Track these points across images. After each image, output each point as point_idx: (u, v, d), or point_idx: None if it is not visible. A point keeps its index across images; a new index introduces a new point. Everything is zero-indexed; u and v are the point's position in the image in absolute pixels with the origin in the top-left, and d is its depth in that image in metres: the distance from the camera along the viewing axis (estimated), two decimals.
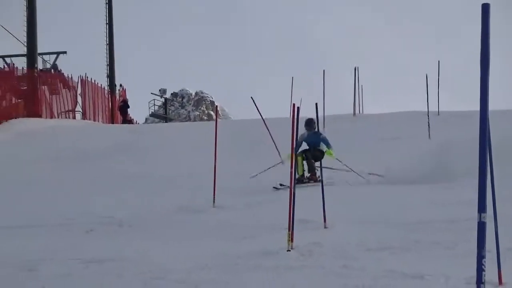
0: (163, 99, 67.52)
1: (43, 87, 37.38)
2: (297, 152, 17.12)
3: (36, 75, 37.77)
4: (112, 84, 47.23)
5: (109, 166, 22.39)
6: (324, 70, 29.64)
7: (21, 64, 39.12)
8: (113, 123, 42.62)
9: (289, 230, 11.30)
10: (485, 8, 4.51)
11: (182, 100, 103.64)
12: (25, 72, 37.55)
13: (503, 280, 8.30)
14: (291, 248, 11.11)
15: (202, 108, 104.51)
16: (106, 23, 48.36)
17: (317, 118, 14.21)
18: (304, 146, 18.06)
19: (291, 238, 11.25)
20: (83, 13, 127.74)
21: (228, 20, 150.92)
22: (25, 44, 39.30)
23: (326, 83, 29.18)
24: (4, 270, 9.65)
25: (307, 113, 15.54)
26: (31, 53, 39.27)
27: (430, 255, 10.23)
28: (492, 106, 4.89)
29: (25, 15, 38.68)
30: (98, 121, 40.98)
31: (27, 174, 21.55)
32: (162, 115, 66.27)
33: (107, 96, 45.08)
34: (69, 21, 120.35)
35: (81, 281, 9.91)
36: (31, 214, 15.79)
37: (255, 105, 22.57)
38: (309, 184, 16.98)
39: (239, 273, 9.90)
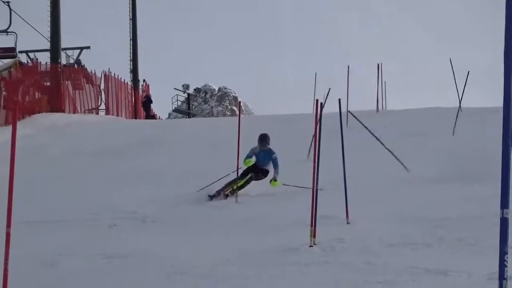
0: (186, 95, 67.53)
1: (66, 82, 37.45)
2: (246, 160, 16.92)
3: (60, 70, 37.84)
4: (135, 80, 47.26)
5: (132, 161, 22.42)
6: (348, 66, 29.44)
7: (44, 59, 39.24)
8: (136, 118, 42.67)
9: (311, 226, 11.34)
10: (510, 6, 4.49)
11: (205, 95, 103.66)
12: (49, 67, 37.63)
13: None
14: (314, 244, 11.14)
15: (225, 104, 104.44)
16: (130, 19, 48.38)
17: (340, 114, 14.21)
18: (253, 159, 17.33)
19: (313, 234, 11.28)
20: (107, 8, 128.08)
21: (252, 17, 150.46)
22: (49, 39, 39.48)
23: (349, 78, 29.06)
24: (27, 264, 9.69)
25: (330, 108, 15.47)
26: (55, 48, 39.25)
27: (453, 251, 10.22)
28: None
29: (49, 10, 38.82)
30: (121, 116, 41.01)
31: (51, 169, 21.61)
32: (185, 110, 66.25)
33: (130, 91, 45.11)
34: (93, 16, 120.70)
35: (103, 276, 9.97)
36: (54, 209, 15.82)
37: None
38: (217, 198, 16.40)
39: (260, 269, 9.93)
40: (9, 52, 38.77)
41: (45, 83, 36.03)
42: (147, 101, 45.68)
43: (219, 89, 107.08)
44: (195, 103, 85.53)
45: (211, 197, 16.20)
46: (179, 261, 10.53)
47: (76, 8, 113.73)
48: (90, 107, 38.95)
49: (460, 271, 8.92)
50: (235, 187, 16.27)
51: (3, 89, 31.87)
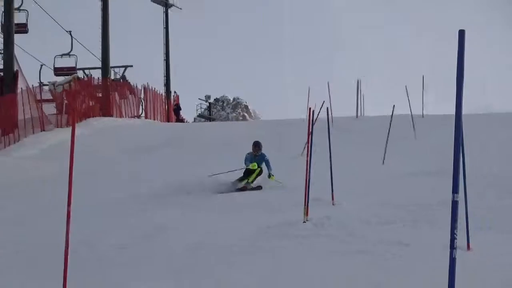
0: (207, 103, 67.73)
1: (114, 93, 37.57)
2: (247, 166, 16.06)
3: (109, 83, 38.02)
4: (168, 91, 47.28)
5: (164, 154, 22.46)
6: (328, 82, 29.07)
7: (97, 75, 39.48)
8: (168, 121, 42.69)
9: (305, 207, 11.38)
10: (461, 34, 4.44)
11: (222, 104, 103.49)
12: (100, 81, 37.80)
13: (470, 247, 8.34)
14: (306, 220, 11.16)
15: (238, 111, 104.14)
16: (164, 44, 48.58)
17: (328, 119, 14.25)
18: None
19: (306, 213, 11.31)
20: (147, 35, 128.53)
21: (258, 38, 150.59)
22: (100, 59, 39.73)
23: (340, 87, 29.25)
24: (78, 241, 9.69)
25: (321, 114, 15.45)
26: (105, 66, 39.61)
27: (417, 228, 10.23)
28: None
29: (100, 37, 39.05)
30: (157, 120, 41.05)
31: (102, 161, 21.67)
32: (207, 116, 66.26)
33: (164, 100, 45.16)
34: (135, 41, 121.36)
35: (138, 245, 9.97)
36: (106, 194, 15.88)
37: None
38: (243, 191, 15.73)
39: (266, 240, 9.96)
40: (71, 70, 39.12)
41: (97, 94, 36.11)
42: (177, 108, 45.77)
43: (233, 99, 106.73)
44: (214, 110, 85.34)
45: (238, 190, 15.74)
46: (200, 234, 10.56)
47: (122, 35, 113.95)
48: (132, 113, 38.99)
49: (422, 243, 8.94)
50: (250, 180, 15.95)
51: (65, 98, 31.96)
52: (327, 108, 15.01)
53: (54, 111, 31.64)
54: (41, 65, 41.00)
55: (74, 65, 40.69)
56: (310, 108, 13.08)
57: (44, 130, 28.91)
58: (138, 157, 22.45)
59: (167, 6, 48.94)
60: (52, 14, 40.83)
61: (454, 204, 4.34)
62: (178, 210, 13.25)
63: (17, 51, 33.70)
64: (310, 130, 12.47)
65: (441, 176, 13.19)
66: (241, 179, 16.00)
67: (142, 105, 40.66)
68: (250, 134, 24.60)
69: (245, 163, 16.00)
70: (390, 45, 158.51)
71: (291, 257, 8.74)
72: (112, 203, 14.57)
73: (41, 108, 30.22)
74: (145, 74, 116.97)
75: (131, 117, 38.95)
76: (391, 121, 19.36)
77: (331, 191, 13.09)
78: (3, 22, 32.82)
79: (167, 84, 48.04)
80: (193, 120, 62.81)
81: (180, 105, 46.64)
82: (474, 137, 16.85)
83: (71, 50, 41.02)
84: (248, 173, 16.00)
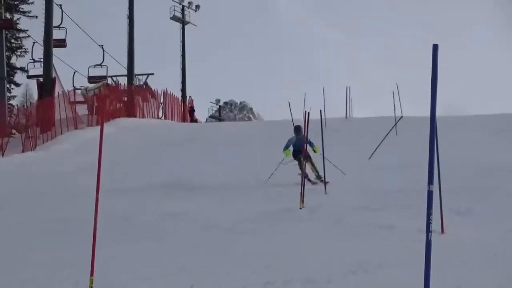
0: (218, 106, 67.67)
1: (137, 97, 37.56)
2: (286, 150, 15.00)
3: (133, 89, 38.04)
4: (184, 95, 47.30)
5: (182, 150, 22.45)
6: (323, 87, 28.91)
7: (123, 81, 39.57)
8: (184, 122, 42.69)
9: (301, 195, 11.38)
10: (435, 48, 4.41)
11: (230, 107, 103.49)
12: (126, 87, 37.85)
13: (444, 230, 8.33)
14: (302, 207, 11.17)
15: (244, 113, 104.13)
16: (181, 55, 48.62)
17: (321, 121, 14.24)
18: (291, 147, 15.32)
19: (302, 201, 11.31)
20: (166, 47, 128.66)
21: (261, 47, 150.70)
22: (126, 68, 39.90)
23: (333, 91, 29.05)
24: (108, 219, 9.75)
25: (316, 115, 15.36)
26: (130, 74, 39.70)
27: (397, 213, 10.22)
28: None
29: (127, 49, 39.22)
30: (174, 120, 41.04)
31: (126, 155, 21.69)
32: (217, 117, 66.24)
33: (180, 103, 45.17)
34: (157, 52, 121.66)
35: (161, 227, 10.04)
36: (128, 181, 15.92)
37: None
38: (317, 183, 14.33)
39: (267, 223, 9.97)
40: (102, 78, 39.24)
41: (123, 97, 36.11)
42: (192, 110, 45.74)
43: (240, 103, 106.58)
44: (224, 112, 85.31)
45: (312, 183, 14.29)
46: (210, 218, 10.58)
47: (145, 47, 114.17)
48: (153, 114, 38.96)
49: (401, 226, 8.92)
50: (313, 170, 14.64)
51: (95, 101, 32.01)
52: (320, 110, 14.96)
53: (86, 112, 31.68)
54: (74, 72, 41.28)
55: (105, 74, 40.93)
56: (306, 111, 13.16)
57: (77, 129, 28.94)
58: (158, 152, 22.46)
59: (184, 23, 49.05)
60: (87, 30, 41.03)
61: (430, 194, 4.32)
62: (193, 196, 13.29)
63: (55, 61, 33.96)
64: (306, 130, 12.50)
65: (418, 168, 13.17)
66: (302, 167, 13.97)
67: (161, 108, 40.63)
68: (254, 132, 24.63)
69: (284, 150, 15.04)
70: (380, 52, 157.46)
71: (288, 237, 8.76)
72: (135, 189, 14.62)
73: (75, 109, 30.29)
74: (164, 81, 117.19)
75: (152, 117, 38.97)
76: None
77: (324, 183, 13.08)
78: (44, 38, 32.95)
79: (183, 89, 48.10)
80: (205, 120, 62.76)
81: (194, 108, 46.69)
82: (446, 135, 16.82)
83: (103, 61, 41.26)
84: (298, 158, 14.60)
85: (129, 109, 35.41)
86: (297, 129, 15.20)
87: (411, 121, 23.33)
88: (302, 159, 13.72)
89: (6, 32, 36.69)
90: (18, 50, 42.41)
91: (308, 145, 14.33)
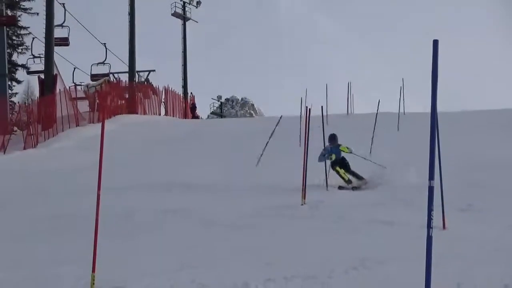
0: (219, 102, 67.68)
1: (139, 93, 37.56)
2: (324, 158, 13.77)
3: (134, 85, 38.04)
4: (185, 92, 47.25)
5: (182, 145, 22.48)
6: (326, 84, 28.96)
7: (124, 78, 39.57)
8: (185, 118, 42.68)
9: (302, 192, 11.37)
10: (436, 44, 4.39)
11: (232, 103, 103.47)
12: (127, 84, 37.84)
13: (446, 226, 8.32)
14: (304, 203, 11.16)
15: (245, 109, 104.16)
16: (182, 52, 48.56)
17: (322, 117, 14.21)
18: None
19: (304, 197, 11.30)
20: (167, 43, 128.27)
21: (263, 44, 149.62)
22: (128, 65, 39.89)
23: (334, 87, 29.10)
24: (109, 216, 9.75)
25: (317, 112, 15.34)
26: (131, 71, 39.69)
27: (398, 209, 10.22)
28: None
29: (128, 46, 39.27)
30: (176, 117, 41.04)
31: (130, 152, 21.70)
32: (218, 113, 66.14)
33: (182, 100, 45.16)
34: (158, 49, 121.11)
35: (161, 224, 10.03)
36: (129, 178, 15.91)
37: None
38: (361, 188, 13.60)
39: (269, 219, 9.96)
40: (105, 76, 39.31)
41: (125, 94, 36.12)
42: (193, 106, 45.78)
43: (241, 99, 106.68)
44: (225, 108, 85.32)
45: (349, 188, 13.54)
46: (211, 214, 10.58)
47: (147, 44, 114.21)
48: (155, 111, 38.97)
49: (402, 222, 8.92)
50: (346, 178, 13.79)
51: (97, 98, 32.02)
52: (322, 107, 14.93)
53: (87, 109, 31.71)
54: (74, 68, 41.54)
55: (107, 72, 41.07)
56: (307, 107, 13.12)
57: (78, 126, 28.99)
58: (159, 148, 22.47)
59: (185, 19, 49.02)
60: (89, 27, 41.15)
61: (430, 189, 4.32)
62: (194, 193, 13.28)
63: (56, 57, 33.98)
64: (307, 126, 12.47)
65: (419, 164, 13.16)
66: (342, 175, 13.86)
67: (163, 105, 40.65)
68: (255, 128, 24.60)
69: (325, 155, 13.89)
70: (381, 50, 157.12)
71: (289, 232, 8.76)
72: (135, 186, 14.61)
73: (76, 106, 30.33)
74: (166, 77, 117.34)
75: (154, 114, 38.98)
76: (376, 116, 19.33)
77: (325, 178, 13.07)
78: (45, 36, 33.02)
79: (185, 86, 48.11)
80: (206, 117, 62.78)
81: (196, 104, 46.69)
82: (448, 131, 16.78)
83: (106, 59, 41.37)
84: (340, 165, 14.02)
85: (131, 106, 35.44)
86: (332, 138, 14.29)
87: (413, 117, 23.31)
88: (347, 169, 13.73)
89: (8, 29, 36.71)
90: (19, 47, 42.40)
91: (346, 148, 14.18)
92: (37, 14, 39.61)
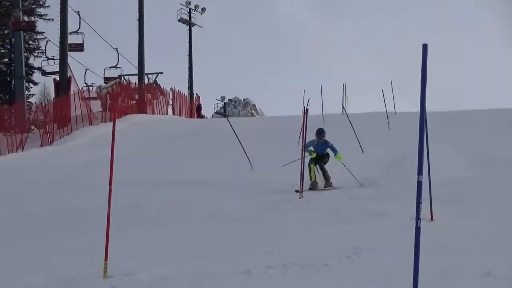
0: (223, 103, 67.65)
1: (147, 94, 37.54)
2: (306, 151, 12.75)
3: (143, 87, 38.06)
4: (191, 93, 47.21)
5: (188, 142, 22.46)
6: (321, 85, 28.73)
7: (134, 80, 39.58)
8: (191, 117, 42.67)
9: (300, 186, 11.42)
10: (425, 48, 4.40)
11: (235, 103, 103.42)
12: (137, 85, 37.85)
13: (433, 218, 8.35)
14: (302, 197, 11.21)
15: (247, 109, 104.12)
16: (188, 55, 48.57)
17: (322, 118, 14.23)
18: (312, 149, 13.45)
19: (301, 191, 11.35)
20: (174, 47, 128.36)
21: (264, 47, 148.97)
22: (137, 68, 40.00)
23: (329, 88, 28.94)
24: (120, 209, 9.81)
25: (313, 111, 15.38)
26: (141, 73, 39.74)
27: (390, 202, 10.23)
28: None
29: (137, 50, 39.35)
30: (182, 116, 41.03)
31: (139, 149, 21.69)
32: (222, 113, 66.17)
33: (188, 100, 45.15)
34: (165, 53, 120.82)
35: (168, 217, 10.07)
36: (138, 173, 15.93)
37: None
38: (324, 189, 12.73)
39: (270, 212, 10.02)
40: (117, 78, 39.34)
41: (134, 95, 36.13)
42: (199, 107, 45.76)
43: (244, 99, 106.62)
44: (228, 109, 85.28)
45: (311, 189, 12.51)
46: (215, 207, 10.62)
47: (155, 47, 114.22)
48: (162, 111, 38.95)
49: (393, 214, 8.96)
50: (313, 179, 12.73)
51: (108, 98, 32.04)
52: (305, 108, 14.88)
53: (100, 108, 31.73)
54: (86, 70, 41.76)
55: (119, 75, 41.18)
56: (304, 107, 13.17)
57: (91, 124, 29.02)
58: (167, 145, 22.45)
59: (190, 25, 49.02)
60: (100, 31, 41.17)
61: (419, 184, 4.35)
62: (197, 187, 13.30)
63: (71, 61, 34.14)
64: (305, 125, 12.51)
65: (410, 160, 13.19)
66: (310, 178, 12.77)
67: (171, 106, 40.62)
68: (256, 127, 24.60)
69: (306, 150, 12.85)
70: (375, 51, 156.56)
71: (288, 224, 8.80)
72: (144, 181, 14.62)
73: (89, 106, 30.37)
74: (173, 79, 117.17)
75: (162, 114, 38.98)
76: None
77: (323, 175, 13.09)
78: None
79: (191, 87, 48.07)
80: (211, 116, 62.77)
81: (201, 104, 46.70)
82: (440, 129, 16.82)
83: (118, 63, 41.55)
84: (318, 160, 13.06)
85: (140, 106, 35.44)
86: (319, 132, 13.36)
87: (404, 116, 23.30)
88: (318, 166, 12.90)
89: (24, 34, 36.76)
90: (35, 51, 42.43)
91: (330, 150, 13.23)
92: (52, 20, 39.63)
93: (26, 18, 37.38)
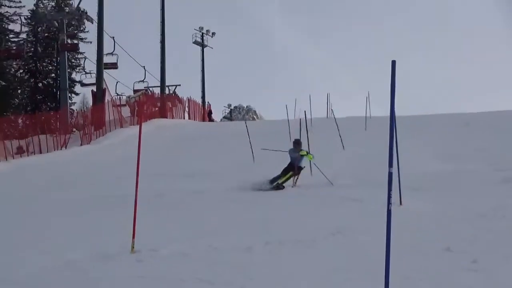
0: (229, 109, 67.78)
1: (168, 102, 37.52)
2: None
3: (165, 96, 38.06)
4: (204, 102, 47.33)
5: (202, 143, 22.43)
6: (310, 95, 28.41)
7: (157, 91, 39.56)
8: (204, 121, 42.66)
9: (294, 176, 11.38)
10: (393, 64, 4.31)
11: (239, 110, 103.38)
12: (159, 95, 37.88)
13: (402, 203, 8.29)
14: (295, 185, 11.19)
15: (249, 114, 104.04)
16: (201, 71, 48.63)
17: (311, 121, 14.14)
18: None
19: (295, 181, 11.32)
20: (189, 64, 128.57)
21: (264, 56, 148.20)
22: (159, 80, 40.01)
23: (317, 93, 28.64)
24: (146, 196, 9.78)
25: (302, 115, 15.27)
26: (162, 86, 39.79)
27: (367, 189, 10.17)
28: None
29: (160, 67, 39.39)
30: (196, 120, 41.00)
31: (162, 148, 21.67)
32: (229, 118, 66.12)
33: (201, 107, 45.15)
34: (183, 69, 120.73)
35: (186, 202, 10.04)
36: (162, 167, 15.90)
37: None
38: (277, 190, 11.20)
39: (267, 197, 9.98)
40: (143, 90, 39.40)
41: (157, 103, 36.11)
42: (210, 112, 45.76)
43: (246, 106, 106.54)
44: (234, 114, 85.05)
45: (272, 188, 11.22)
46: (223, 195, 10.58)
47: (174, 64, 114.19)
48: (180, 116, 38.88)
49: (369, 200, 8.88)
50: (280, 181, 11.36)
51: (136, 106, 32.02)
52: (305, 111, 14.90)
53: (129, 114, 31.73)
54: (117, 82, 41.83)
55: (146, 87, 41.25)
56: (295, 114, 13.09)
57: (122, 127, 28.99)
58: (185, 145, 22.44)
59: (203, 46, 49.15)
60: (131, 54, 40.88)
61: (390, 174, 4.29)
62: (210, 180, 13.21)
63: (104, 75, 34.26)
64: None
65: (383, 156, 13.14)
66: (274, 179, 11.47)
67: (187, 112, 40.58)
68: (257, 129, 24.51)
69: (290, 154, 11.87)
70: (354, 63, 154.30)
71: (282, 208, 8.77)
72: (166, 174, 14.58)
73: (120, 112, 30.38)
74: (188, 90, 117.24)
75: (180, 118, 38.90)
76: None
77: (309, 166, 13.05)
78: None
79: (203, 96, 48.20)
80: (219, 120, 62.74)
81: (212, 110, 46.67)
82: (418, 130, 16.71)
83: (145, 77, 41.65)
84: (286, 171, 11.64)
85: (162, 112, 35.44)
86: (295, 143, 12.09)
87: (378, 120, 23.24)
88: (291, 174, 11.52)
89: (68, 53, 37.05)
90: (77, 68, 42.93)
91: (302, 159, 11.82)
92: (91, 42, 39.94)
93: (69, 41, 37.56)
